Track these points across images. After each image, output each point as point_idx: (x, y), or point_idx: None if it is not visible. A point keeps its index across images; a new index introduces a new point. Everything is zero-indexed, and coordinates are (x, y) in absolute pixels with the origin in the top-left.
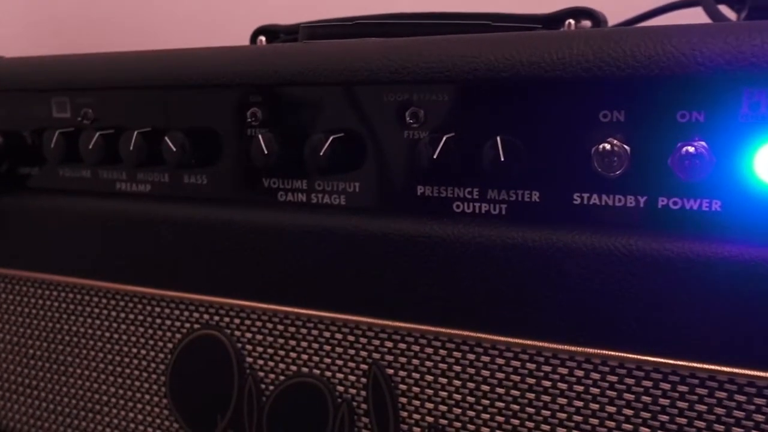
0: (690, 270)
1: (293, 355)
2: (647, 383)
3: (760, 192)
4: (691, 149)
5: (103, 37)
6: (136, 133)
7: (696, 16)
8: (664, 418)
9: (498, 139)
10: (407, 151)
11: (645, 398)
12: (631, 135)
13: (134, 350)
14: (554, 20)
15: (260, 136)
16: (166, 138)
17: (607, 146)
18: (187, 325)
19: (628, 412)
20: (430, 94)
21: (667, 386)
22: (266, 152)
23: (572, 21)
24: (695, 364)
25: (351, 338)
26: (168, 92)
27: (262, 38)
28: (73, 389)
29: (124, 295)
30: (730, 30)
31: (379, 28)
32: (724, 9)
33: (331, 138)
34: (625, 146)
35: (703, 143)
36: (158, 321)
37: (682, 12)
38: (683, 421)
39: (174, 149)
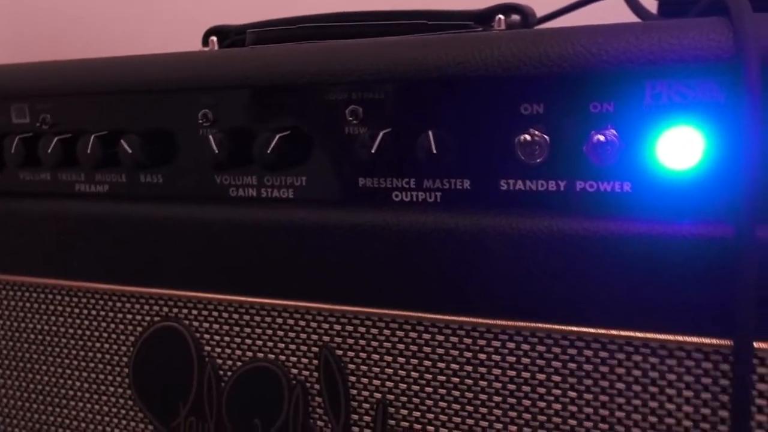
0: (605, 247)
1: (248, 341)
2: (572, 351)
3: (662, 174)
4: (601, 137)
5: (62, 45)
6: (92, 136)
7: (617, 5)
8: (589, 382)
9: (430, 133)
10: (348, 146)
11: (571, 365)
12: (549, 125)
13: (97, 345)
14: (485, 16)
15: (211, 137)
16: (122, 141)
17: (528, 137)
18: (148, 318)
19: (557, 378)
20: (367, 93)
21: (589, 353)
22: (217, 151)
23: (502, 17)
24: (614, 332)
25: (302, 323)
26: (123, 97)
27: (214, 38)
28: (39, 385)
29: (86, 292)
30: (631, 30)
31: (321, 30)
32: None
33: (277, 137)
34: (545, 136)
35: (613, 131)
36: (119, 316)
37: (604, 2)
38: (605, 384)
39: (130, 151)
